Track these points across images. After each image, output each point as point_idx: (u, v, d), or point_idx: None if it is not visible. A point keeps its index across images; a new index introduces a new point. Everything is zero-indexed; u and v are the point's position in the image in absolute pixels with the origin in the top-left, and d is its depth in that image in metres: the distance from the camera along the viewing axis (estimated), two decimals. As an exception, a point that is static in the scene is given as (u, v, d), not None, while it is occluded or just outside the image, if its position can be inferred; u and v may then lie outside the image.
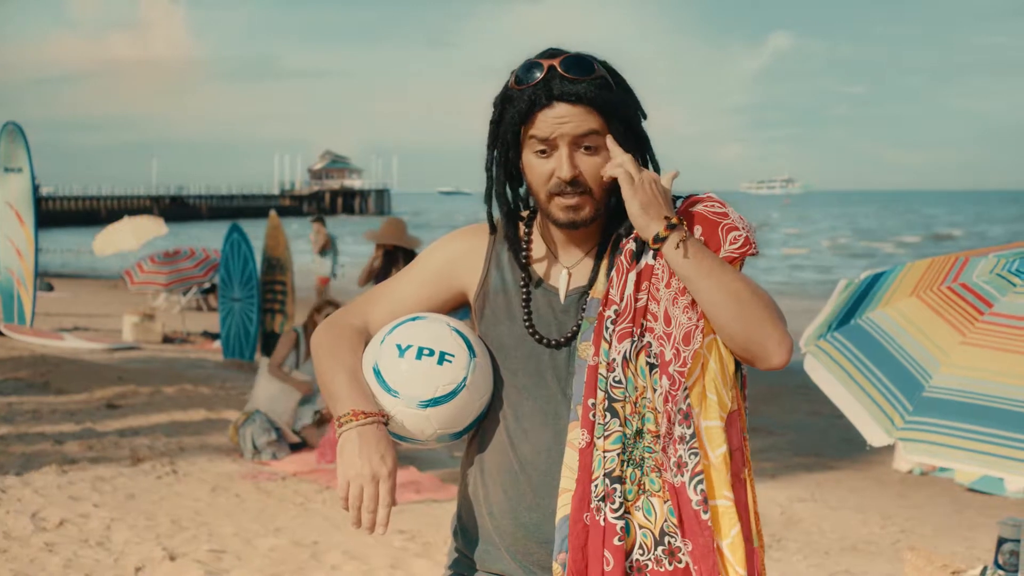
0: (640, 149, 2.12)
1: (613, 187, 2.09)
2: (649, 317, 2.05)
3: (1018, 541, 3.71)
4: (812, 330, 3.34)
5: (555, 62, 2.04)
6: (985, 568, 3.91)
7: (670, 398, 2.00)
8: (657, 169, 2.15)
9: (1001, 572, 3.78)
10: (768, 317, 2.01)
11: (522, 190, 2.20)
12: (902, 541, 6.60)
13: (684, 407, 2.00)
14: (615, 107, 2.06)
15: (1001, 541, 3.80)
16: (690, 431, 1.99)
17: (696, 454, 1.98)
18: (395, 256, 8.43)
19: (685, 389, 2.00)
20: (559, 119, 2.03)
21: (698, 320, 2.03)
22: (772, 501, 7.32)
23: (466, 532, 2.22)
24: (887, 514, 7.34)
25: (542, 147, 2.06)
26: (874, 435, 2.86)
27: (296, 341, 8.42)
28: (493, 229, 2.22)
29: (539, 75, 2.04)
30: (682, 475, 1.99)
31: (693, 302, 2.03)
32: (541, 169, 2.08)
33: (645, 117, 2.14)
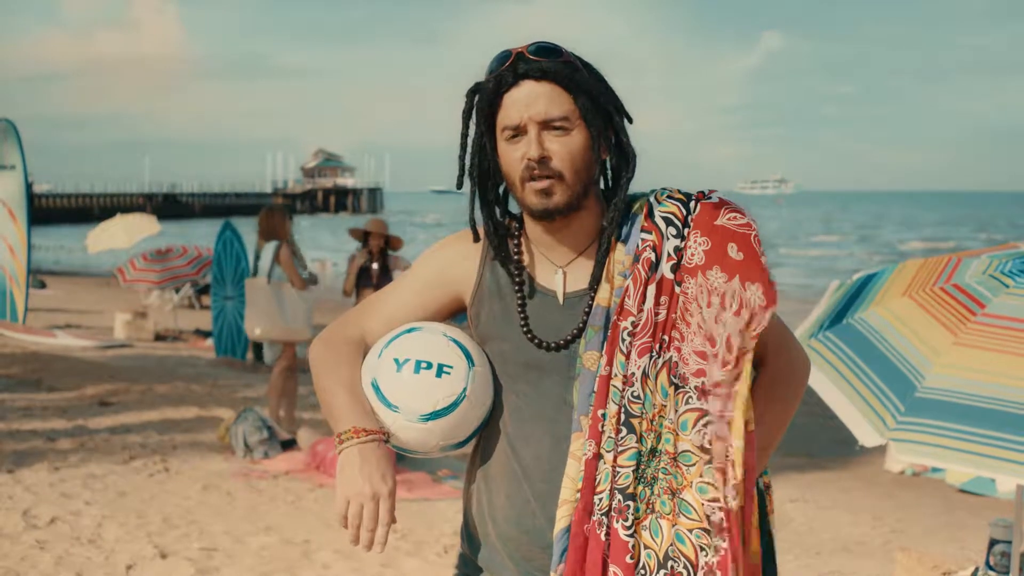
0: (609, 126, 2.06)
1: (589, 173, 2.04)
2: (675, 334, 1.98)
3: (1009, 542, 3.72)
4: (804, 329, 3.34)
5: (523, 48, 2.03)
6: (976, 569, 3.91)
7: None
8: (628, 155, 2.07)
9: (992, 573, 3.78)
10: (802, 384, 2.21)
11: (502, 190, 2.15)
12: (893, 541, 6.61)
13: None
14: (580, 84, 2.01)
15: (992, 542, 3.80)
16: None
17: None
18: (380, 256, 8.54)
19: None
20: (526, 99, 2.00)
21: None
22: (764, 501, 7.32)
23: (471, 536, 2.21)
24: (878, 514, 7.35)
25: (513, 133, 2.02)
26: (866, 435, 2.86)
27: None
28: (477, 237, 2.18)
29: (507, 61, 2.03)
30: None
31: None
32: (513, 155, 2.03)
33: (631, 121, 2.09)
